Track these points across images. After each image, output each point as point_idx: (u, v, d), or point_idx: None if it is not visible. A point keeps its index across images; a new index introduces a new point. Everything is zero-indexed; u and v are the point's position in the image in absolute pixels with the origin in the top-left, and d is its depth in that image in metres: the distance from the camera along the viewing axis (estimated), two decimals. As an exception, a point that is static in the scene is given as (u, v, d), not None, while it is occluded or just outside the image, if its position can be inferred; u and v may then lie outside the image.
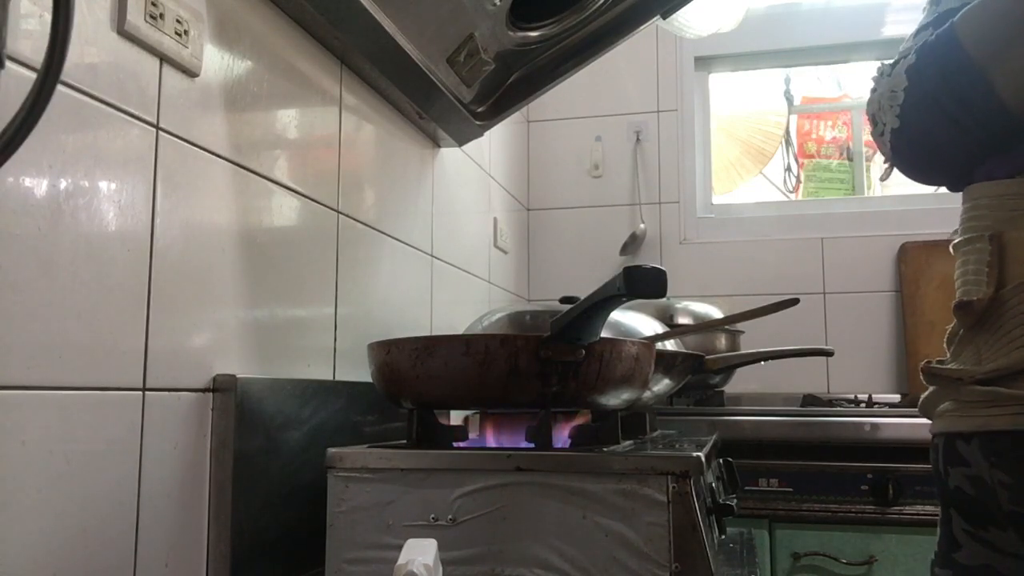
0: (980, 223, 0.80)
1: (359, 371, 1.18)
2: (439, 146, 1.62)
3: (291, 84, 1.09)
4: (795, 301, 1.20)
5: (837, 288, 2.19)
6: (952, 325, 0.83)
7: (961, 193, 0.85)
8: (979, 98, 0.75)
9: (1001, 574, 0.76)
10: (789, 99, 2.47)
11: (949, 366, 0.82)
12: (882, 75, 0.84)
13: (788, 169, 2.47)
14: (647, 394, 1.27)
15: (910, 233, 2.16)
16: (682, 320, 1.88)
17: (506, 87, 1.51)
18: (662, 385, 1.31)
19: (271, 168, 1.04)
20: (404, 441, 1.01)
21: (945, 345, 0.85)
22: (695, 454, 0.82)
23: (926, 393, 0.85)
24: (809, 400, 1.89)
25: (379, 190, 1.35)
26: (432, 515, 0.85)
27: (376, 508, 0.86)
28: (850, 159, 2.43)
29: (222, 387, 0.90)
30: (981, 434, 0.76)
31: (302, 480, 0.98)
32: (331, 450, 0.89)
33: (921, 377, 0.84)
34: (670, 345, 1.43)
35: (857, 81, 2.44)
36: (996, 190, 0.78)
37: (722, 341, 1.89)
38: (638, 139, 2.36)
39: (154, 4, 0.82)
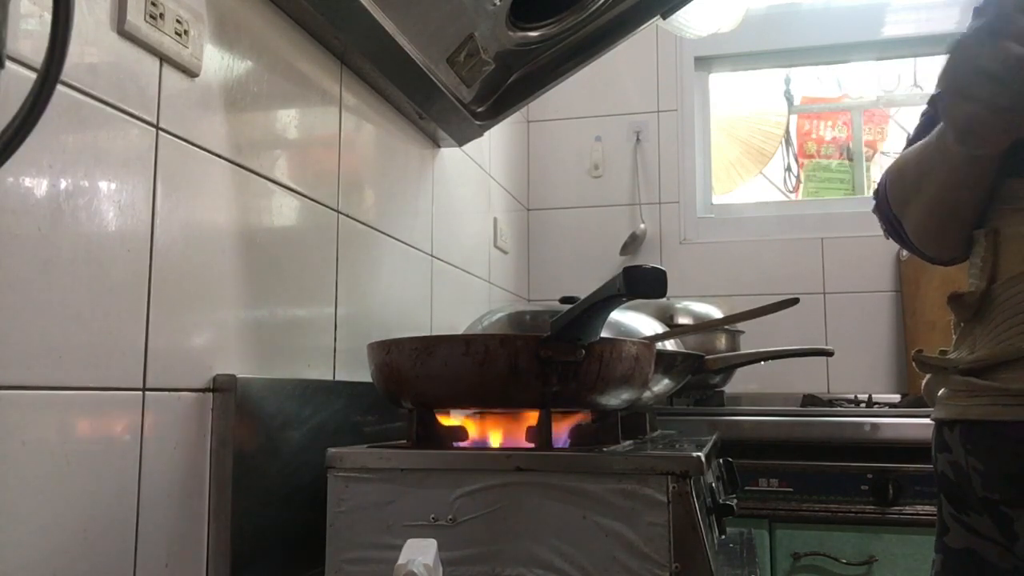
0: (985, 218, 0.81)
1: (359, 371, 1.18)
2: (439, 146, 1.62)
3: (291, 84, 1.09)
4: (795, 301, 1.20)
5: (837, 288, 2.19)
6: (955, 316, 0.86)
7: None
8: (902, 233, 0.91)
9: (982, 557, 0.79)
10: (789, 99, 2.47)
11: (938, 355, 0.84)
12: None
13: (788, 169, 2.47)
14: (647, 394, 1.27)
15: (910, 233, 2.15)
16: (682, 320, 1.88)
17: (506, 87, 1.51)
18: (662, 385, 1.31)
19: (271, 168, 1.04)
20: (404, 441, 1.01)
21: (953, 333, 0.87)
22: (695, 454, 0.82)
23: (926, 379, 0.88)
24: (809, 400, 1.89)
25: (379, 190, 1.35)
26: (432, 515, 0.85)
27: (376, 508, 0.86)
28: (850, 159, 2.43)
29: (222, 387, 0.90)
30: (961, 422, 0.79)
31: (302, 480, 0.98)
32: (331, 450, 0.89)
33: (914, 366, 0.87)
34: (670, 345, 1.43)
35: (857, 81, 2.44)
36: (1013, 187, 0.79)
37: (722, 341, 1.89)
38: (638, 139, 2.36)
39: (154, 4, 0.82)
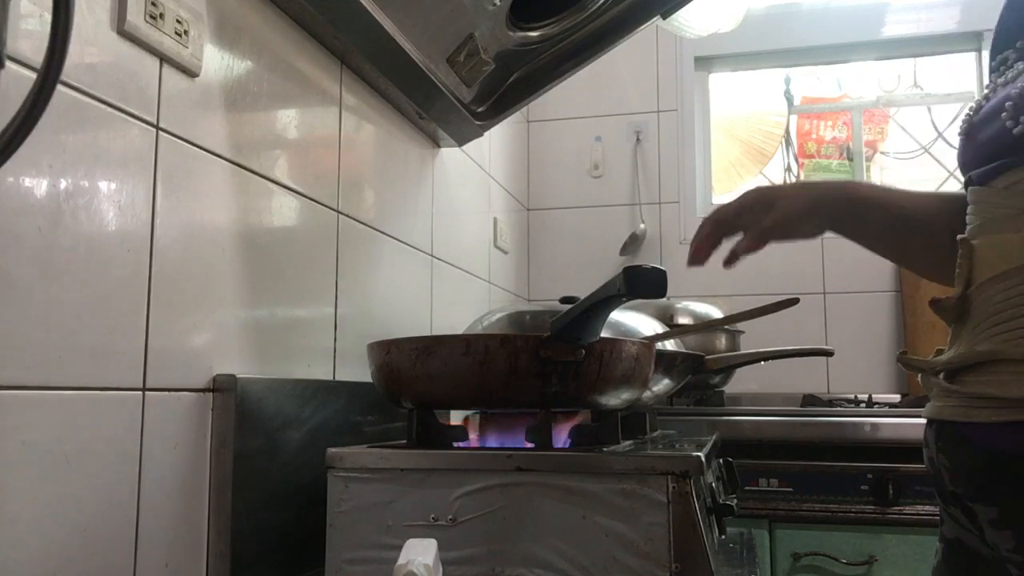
0: (964, 227, 0.85)
1: (359, 371, 1.18)
2: (439, 146, 1.62)
3: (291, 84, 1.09)
4: (795, 301, 1.20)
5: (837, 288, 2.19)
6: None
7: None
8: None
9: (969, 546, 0.82)
10: (789, 99, 2.47)
11: (925, 357, 0.87)
12: None
13: (788, 169, 2.47)
14: (647, 394, 1.27)
15: (910, 233, 2.15)
16: (682, 320, 1.88)
17: (506, 87, 1.51)
18: (662, 385, 1.31)
19: (271, 168, 1.04)
20: (404, 441, 1.01)
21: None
22: (695, 454, 0.82)
23: (920, 376, 0.91)
24: (809, 400, 1.89)
25: (379, 190, 1.35)
26: (432, 515, 0.85)
27: (376, 508, 0.86)
28: (850, 159, 2.43)
29: (222, 387, 0.90)
30: (935, 421, 0.83)
31: (302, 480, 0.98)
32: (331, 450, 0.89)
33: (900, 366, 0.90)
34: (670, 345, 1.43)
35: (857, 81, 2.44)
36: (975, 196, 0.82)
37: (722, 341, 1.89)
38: (638, 139, 2.36)
39: (154, 4, 0.82)
